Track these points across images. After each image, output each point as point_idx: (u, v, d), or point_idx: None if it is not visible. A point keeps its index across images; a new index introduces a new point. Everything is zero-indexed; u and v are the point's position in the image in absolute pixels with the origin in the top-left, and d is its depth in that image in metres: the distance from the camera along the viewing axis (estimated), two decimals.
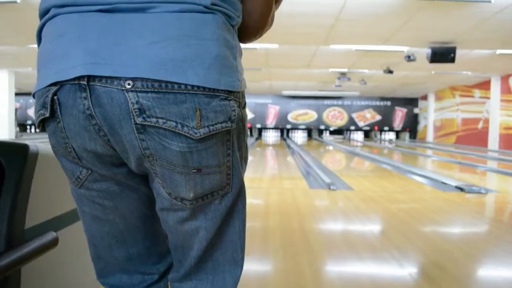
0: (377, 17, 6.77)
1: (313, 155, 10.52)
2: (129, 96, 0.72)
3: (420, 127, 20.76)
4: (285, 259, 2.54)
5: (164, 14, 0.73)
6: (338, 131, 21.54)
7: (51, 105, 0.77)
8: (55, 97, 0.77)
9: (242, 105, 0.85)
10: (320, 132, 21.52)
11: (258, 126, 20.96)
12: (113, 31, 0.73)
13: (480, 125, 15.05)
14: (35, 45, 0.85)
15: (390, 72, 11.33)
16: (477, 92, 15.36)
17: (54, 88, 0.76)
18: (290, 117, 21.06)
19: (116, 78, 0.72)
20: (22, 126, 21.50)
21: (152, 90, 0.72)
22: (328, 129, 21.33)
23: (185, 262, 0.92)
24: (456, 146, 15.25)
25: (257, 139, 19.10)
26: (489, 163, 9.45)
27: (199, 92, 0.74)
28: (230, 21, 0.82)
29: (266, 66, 11.98)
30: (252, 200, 4.33)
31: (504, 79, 13.49)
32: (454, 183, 5.52)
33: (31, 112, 21.73)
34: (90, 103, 0.74)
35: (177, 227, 0.88)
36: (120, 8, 0.73)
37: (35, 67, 0.84)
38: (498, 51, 9.31)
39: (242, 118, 0.85)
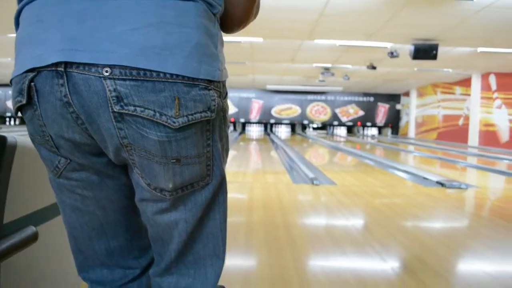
0: (362, 13, 6.79)
1: (297, 150, 10.54)
2: (106, 84, 0.71)
3: (402, 123, 20.99)
4: (269, 254, 2.54)
5: (145, 1, 0.72)
6: (321, 127, 21.65)
7: (28, 92, 0.76)
8: (32, 83, 0.75)
9: (223, 95, 0.84)
10: (304, 127, 21.60)
11: (242, 120, 20.92)
12: (92, 17, 0.71)
13: (460, 122, 15.28)
14: (15, 35, 0.82)
15: (373, 68, 11.41)
16: (458, 89, 15.59)
17: (31, 75, 0.75)
18: (273, 112, 21.07)
19: (93, 65, 0.70)
20: (1, 118, 21.07)
21: (131, 78, 0.71)
22: (312, 125, 21.42)
23: (165, 256, 0.90)
24: (437, 142, 15.47)
25: (240, 133, 19.07)
26: (469, 159, 9.61)
27: (178, 81, 0.73)
28: (212, 9, 0.80)
29: (251, 60, 11.95)
30: (235, 194, 4.32)
31: (485, 76, 13.72)
32: (435, 178, 5.59)
33: (10, 104, 21.26)
34: (67, 90, 0.73)
35: (156, 218, 0.86)
36: None
37: (14, 57, 0.81)
38: (479, 49, 9.44)
39: (223, 108, 0.84)
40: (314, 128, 21.68)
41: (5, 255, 1.15)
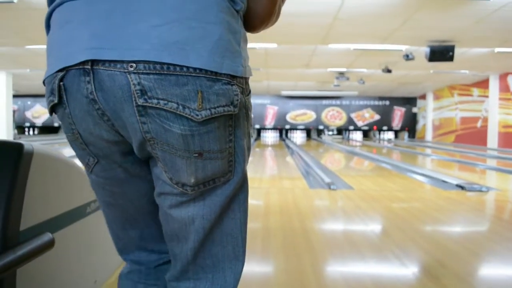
0: (376, 16, 6.75)
1: (312, 155, 10.49)
2: (131, 78, 0.72)
3: (419, 126, 20.75)
4: (287, 260, 2.51)
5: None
6: (337, 131, 21.55)
7: (58, 91, 0.78)
8: (61, 83, 0.78)
9: (246, 92, 0.84)
10: (319, 132, 21.50)
11: (257, 126, 20.93)
12: (117, 15, 0.73)
13: (479, 124, 15.04)
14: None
15: (389, 71, 11.31)
16: (476, 91, 15.36)
17: (60, 74, 0.77)
18: (288, 118, 21.03)
19: (119, 61, 0.72)
20: (20, 128, 21.44)
21: (154, 72, 0.72)
22: (328, 133, 21.32)
23: (180, 256, 0.89)
24: (455, 145, 15.25)
25: (256, 139, 19.06)
26: (488, 162, 9.43)
27: (201, 75, 0.73)
28: (234, 6, 0.81)
29: (265, 66, 11.95)
30: (252, 200, 4.28)
31: (503, 77, 13.49)
32: (454, 182, 5.49)
33: (29, 114, 21.67)
34: (93, 87, 0.74)
35: (173, 212, 0.85)
36: None
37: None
38: (497, 50, 9.29)
39: (245, 105, 0.84)
40: (329, 135, 21.57)
41: (22, 261, 1.15)
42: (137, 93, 0.72)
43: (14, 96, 15.63)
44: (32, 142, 1.48)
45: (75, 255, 1.67)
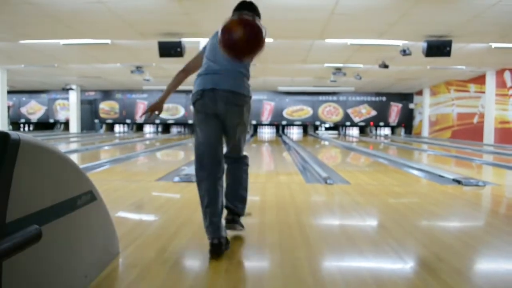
0: (373, 10, 6.71)
1: (309, 151, 10.46)
2: (224, 94, 2.49)
3: (416, 122, 20.77)
4: (283, 254, 2.48)
5: (233, 72, 2.55)
6: (333, 127, 21.54)
7: (201, 94, 2.51)
8: (203, 92, 2.50)
9: (250, 99, 2.63)
10: (316, 128, 21.47)
11: (253, 122, 20.89)
12: (219, 79, 2.52)
13: (475, 120, 15.06)
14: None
15: (386, 66, 11.29)
16: (472, 87, 15.37)
17: (202, 90, 2.51)
18: (285, 113, 21.01)
19: (221, 90, 2.49)
20: (15, 124, 21.32)
21: (230, 93, 2.50)
22: (324, 125, 21.31)
23: (232, 144, 2.74)
24: (452, 141, 15.25)
25: (252, 135, 19.02)
26: (485, 157, 9.43)
27: (242, 95, 2.55)
28: (248, 77, 2.64)
29: (261, 62, 11.90)
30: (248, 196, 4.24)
31: (499, 73, 13.50)
32: (451, 176, 5.48)
33: (24, 110, 21.56)
34: (214, 95, 2.49)
35: (231, 133, 2.65)
36: (220, 72, 2.53)
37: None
38: (494, 45, 9.28)
39: (249, 103, 2.63)
40: (326, 128, 21.55)
41: (7, 254, 1.11)
42: (226, 99, 2.50)
43: (9, 92, 15.50)
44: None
45: (65, 249, 1.63)
